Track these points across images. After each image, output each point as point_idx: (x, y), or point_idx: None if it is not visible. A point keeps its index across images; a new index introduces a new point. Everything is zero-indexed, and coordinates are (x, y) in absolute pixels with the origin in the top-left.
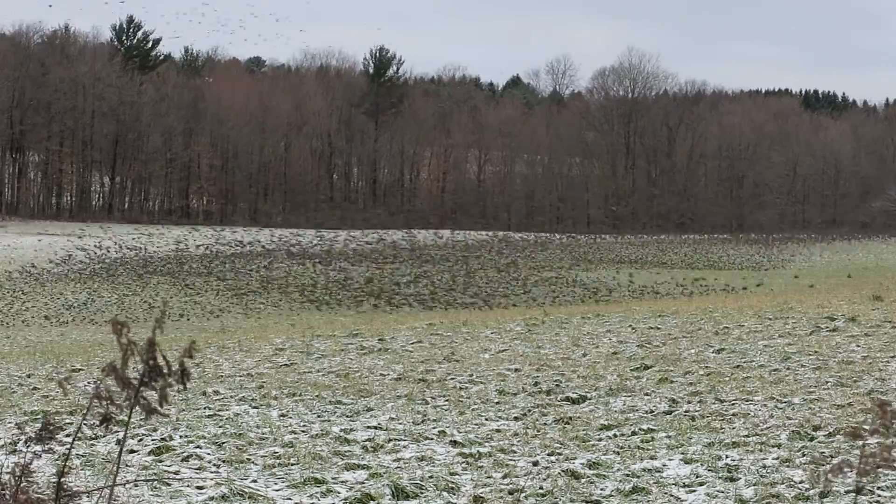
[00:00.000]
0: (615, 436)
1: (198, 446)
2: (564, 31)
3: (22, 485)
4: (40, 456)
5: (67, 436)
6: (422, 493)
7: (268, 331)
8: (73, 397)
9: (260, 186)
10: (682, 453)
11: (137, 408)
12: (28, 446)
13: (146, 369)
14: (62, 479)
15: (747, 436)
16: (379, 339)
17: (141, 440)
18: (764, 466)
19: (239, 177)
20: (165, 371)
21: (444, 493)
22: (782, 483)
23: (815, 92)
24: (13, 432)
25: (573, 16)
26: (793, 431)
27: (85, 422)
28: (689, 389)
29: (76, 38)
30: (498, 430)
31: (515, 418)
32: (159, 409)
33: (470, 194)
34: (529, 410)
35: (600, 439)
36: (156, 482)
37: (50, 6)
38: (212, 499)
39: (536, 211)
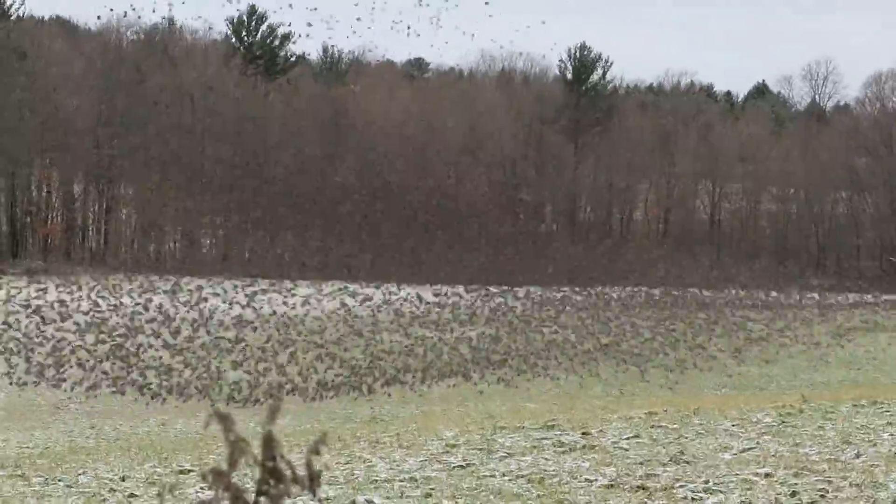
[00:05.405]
0: None
1: None
2: (825, 26)
3: None
4: None
5: None
6: None
7: (434, 420)
8: None
9: (420, 228)
10: None
11: None
12: None
13: (263, 474)
14: None
15: None
16: (582, 433)
17: None
18: None
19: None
20: (289, 474)
21: None
22: None
23: None
24: None
25: (837, 8)
26: None
27: None
28: None
29: (182, 35)
30: None
31: None
32: None
33: (700, 238)
34: None
35: None
36: None
37: None
38: None
39: (789, 261)
